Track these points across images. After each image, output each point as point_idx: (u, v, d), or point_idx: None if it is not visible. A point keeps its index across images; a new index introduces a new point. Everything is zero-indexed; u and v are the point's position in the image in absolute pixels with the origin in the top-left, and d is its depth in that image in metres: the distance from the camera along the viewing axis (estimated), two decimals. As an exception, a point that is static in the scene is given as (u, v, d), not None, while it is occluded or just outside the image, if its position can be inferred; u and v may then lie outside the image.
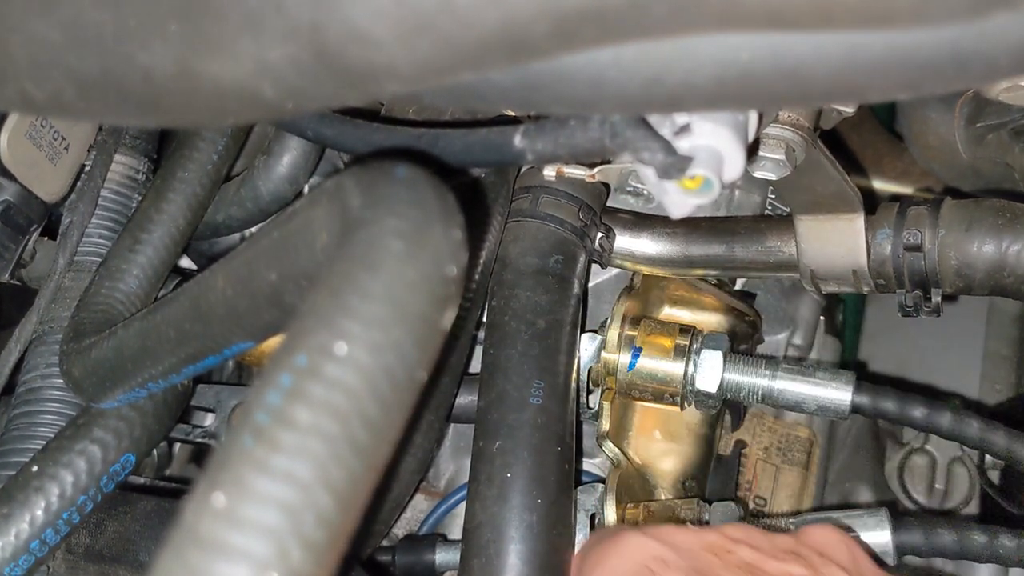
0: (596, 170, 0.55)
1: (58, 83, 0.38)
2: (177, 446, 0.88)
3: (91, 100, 0.38)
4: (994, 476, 1.02)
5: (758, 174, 0.58)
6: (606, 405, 0.69)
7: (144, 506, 0.65)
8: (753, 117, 0.46)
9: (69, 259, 0.72)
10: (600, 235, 0.72)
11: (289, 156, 0.76)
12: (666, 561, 0.51)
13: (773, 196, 0.83)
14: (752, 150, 0.57)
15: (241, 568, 0.28)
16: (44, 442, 0.64)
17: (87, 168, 0.74)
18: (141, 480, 0.74)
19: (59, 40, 0.36)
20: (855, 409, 0.68)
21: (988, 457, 0.99)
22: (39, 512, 0.60)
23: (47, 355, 0.68)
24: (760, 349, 0.82)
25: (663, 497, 0.72)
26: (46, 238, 0.75)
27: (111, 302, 0.66)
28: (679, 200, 0.44)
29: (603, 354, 0.70)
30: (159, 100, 0.36)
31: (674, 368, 0.69)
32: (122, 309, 0.66)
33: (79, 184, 0.74)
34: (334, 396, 0.31)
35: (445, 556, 0.69)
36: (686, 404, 0.70)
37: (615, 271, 0.77)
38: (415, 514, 0.78)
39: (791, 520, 0.70)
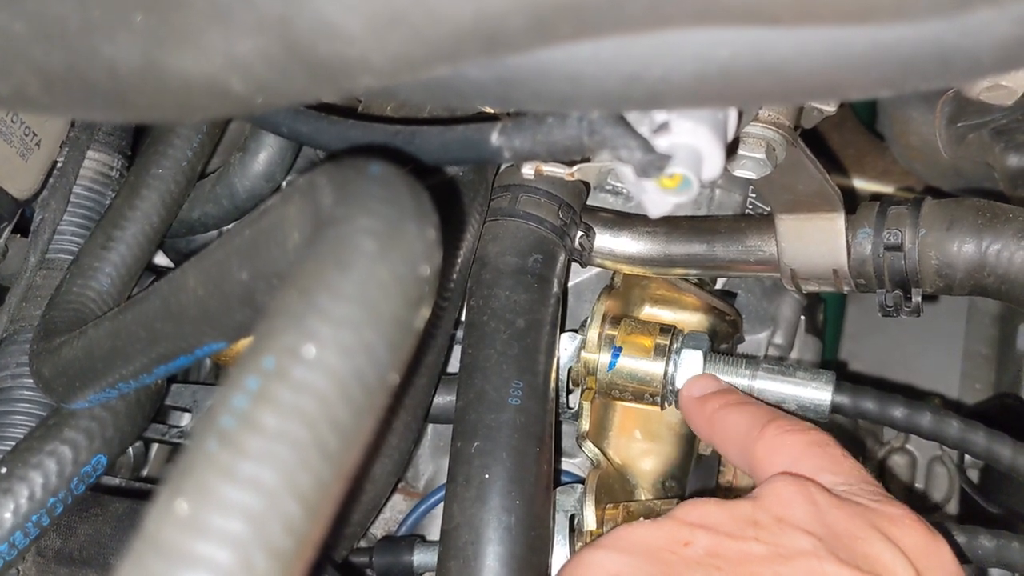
0: (575, 168, 0.54)
1: (22, 77, 0.37)
2: (154, 446, 0.87)
3: (56, 94, 0.37)
4: (974, 475, 1.03)
5: (738, 173, 0.57)
6: (586, 405, 0.69)
7: (116, 508, 0.64)
8: (733, 115, 0.46)
9: (40, 257, 0.71)
10: (580, 234, 0.71)
11: (266, 153, 0.75)
12: (624, 574, 0.50)
13: (754, 195, 0.83)
14: (732, 149, 0.56)
15: (204, 577, 0.27)
16: (14, 443, 0.63)
17: (59, 164, 0.73)
18: (116, 481, 0.73)
19: (23, 32, 0.35)
20: (835, 409, 0.68)
21: (968, 456, 0.99)
22: (8, 515, 0.59)
23: (18, 354, 0.67)
24: (741, 348, 0.82)
25: (643, 497, 0.71)
26: (18, 235, 0.74)
27: (83, 300, 0.65)
28: (658, 199, 0.43)
29: (583, 354, 0.69)
30: (125, 94, 0.35)
31: (654, 368, 0.68)
32: (94, 308, 0.65)
33: (51, 180, 0.73)
34: (302, 400, 0.30)
35: (423, 557, 0.68)
36: (666, 404, 0.70)
37: (595, 270, 0.76)
38: (394, 515, 0.77)
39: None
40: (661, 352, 0.68)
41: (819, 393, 0.68)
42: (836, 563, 0.48)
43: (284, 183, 0.78)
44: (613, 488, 0.68)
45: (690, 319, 0.76)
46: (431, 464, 0.77)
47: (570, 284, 0.76)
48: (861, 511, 0.52)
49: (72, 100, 0.37)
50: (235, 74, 0.33)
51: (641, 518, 0.62)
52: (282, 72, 0.33)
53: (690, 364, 0.68)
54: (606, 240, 0.73)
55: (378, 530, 0.76)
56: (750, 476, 0.60)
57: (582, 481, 0.67)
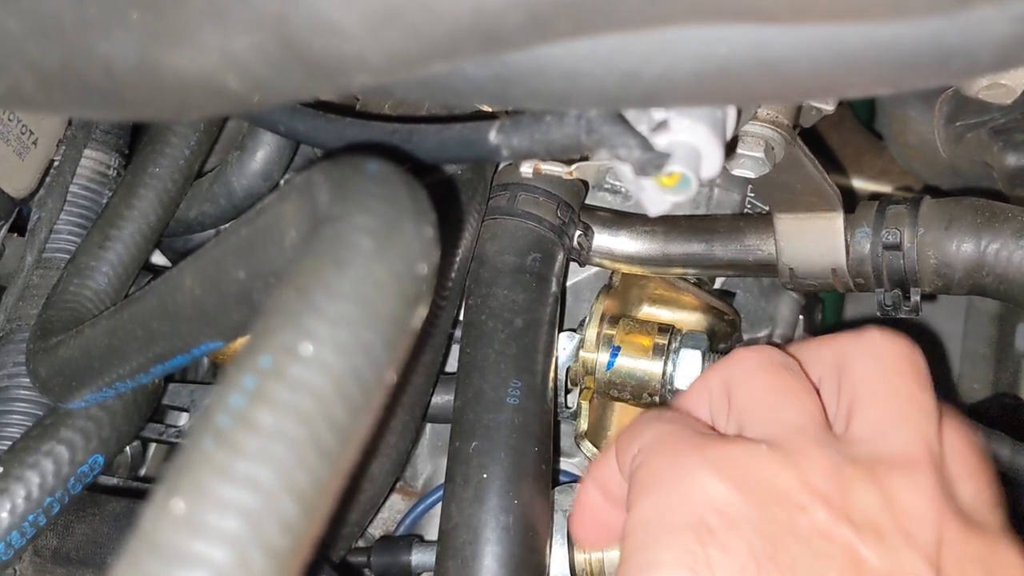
0: (574, 167, 0.54)
1: (18, 74, 0.37)
2: (152, 446, 0.87)
3: (52, 92, 0.37)
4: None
5: (737, 172, 0.57)
6: (584, 405, 0.68)
7: (113, 508, 0.64)
8: (731, 114, 0.46)
9: (37, 256, 0.70)
10: (578, 233, 0.71)
11: (263, 151, 0.75)
12: (729, 517, 0.43)
13: (752, 194, 0.82)
14: (731, 148, 0.56)
15: (200, 576, 0.27)
16: (11, 443, 0.63)
17: (56, 163, 0.73)
18: (113, 481, 0.73)
19: (17, 29, 0.35)
20: (833, 408, 0.68)
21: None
22: (4, 515, 0.59)
23: (14, 354, 0.67)
24: (739, 348, 0.82)
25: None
26: (15, 234, 0.74)
27: (80, 300, 0.65)
28: (656, 197, 0.43)
29: (581, 353, 0.69)
30: (121, 92, 0.35)
31: (653, 367, 0.68)
32: (91, 307, 0.65)
33: (48, 179, 0.72)
34: (299, 398, 0.30)
35: (421, 557, 0.68)
36: (664, 404, 0.70)
37: (594, 269, 0.76)
38: (392, 514, 0.77)
39: None
40: (660, 352, 0.68)
41: (817, 392, 0.68)
42: None
43: (282, 182, 0.78)
44: (611, 488, 0.68)
45: (688, 319, 0.75)
46: (429, 464, 0.77)
47: (568, 283, 0.75)
48: (984, 554, 0.45)
49: (68, 98, 0.37)
50: (232, 71, 0.33)
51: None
52: (279, 69, 0.33)
53: (689, 364, 0.68)
54: (604, 239, 0.73)
55: (376, 530, 0.76)
56: None
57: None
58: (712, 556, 0.42)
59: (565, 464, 0.74)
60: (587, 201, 0.75)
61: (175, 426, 0.74)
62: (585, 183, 0.74)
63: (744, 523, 0.43)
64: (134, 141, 0.77)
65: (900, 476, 0.45)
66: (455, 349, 0.68)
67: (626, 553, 0.45)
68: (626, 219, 0.73)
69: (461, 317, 0.68)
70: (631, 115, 0.43)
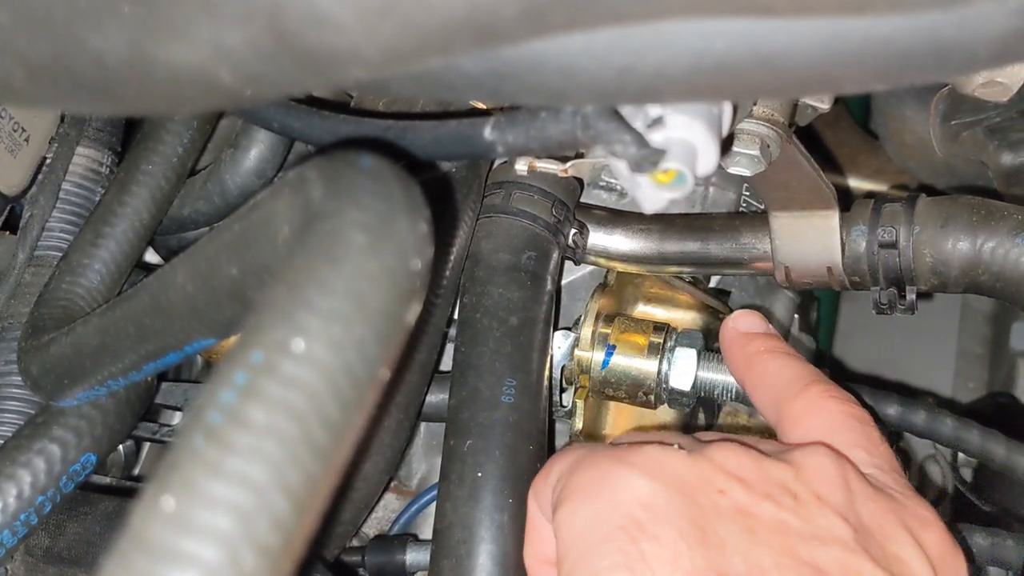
0: (569, 164, 0.54)
1: (8, 68, 0.36)
2: (145, 445, 0.87)
3: (42, 86, 0.36)
4: (967, 474, 1.03)
5: (732, 170, 0.57)
6: (579, 403, 0.68)
7: (105, 507, 0.63)
8: (727, 110, 0.45)
9: (29, 253, 0.70)
10: (574, 231, 0.71)
11: (257, 149, 0.74)
12: (655, 509, 0.45)
13: (748, 193, 0.82)
14: (726, 146, 0.56)
15: (190, 575, 0.27)
16: (2, 441, 0.62)
17: (48, 160, 0.72)
18: (106, 480, 0.73)
19: (7, 22, 0.34)
20: (829, 407, 0.68)
21: (961, 455, 0.99)
22: (-5, 513, 0.58)
23: (6, 352, 0.66)
24: (735, 347, 0.81)
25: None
26: (6, 232, 0.73)
27: (72, 297, 0.65)
28: (652, 194, 0.43)
29: (576, 352, 0.69)
30: (113, 86, 0.35)
31: (648, 366, 0.68)
32: (83, 305, 0.65)
33: (40, 177, 0.72)
34: (291, 395, 0.29)
35: (416, 556, 0.68)
36: (659, 403, 0.69)
37: (589, 268, 0.76)
38: (386, 513, 0.77)
39: None
40: (655, 350, 0.68)
41: (813, 391, 0.67)
42: (869, 561, 0.45)
43: (276, 180, 0.77)
44: (606, 487, 0.68)
45: (684, 317, 0.75)
46: (424, 463, 0.77)
47: (564, 282, 0.75)
48: (894, 507, 0.48)
49: (58, 92, 0.37)
50: (224, 65, 0.33)
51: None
52: (271, 63, 0.33)
53: (684, 362, 0.68)
54: (600, 238, 0.73)
55: (371, 529, 0.76)
56: (775, 429, 0.56)
57: (575, 479, 0.67)
58: (645, 549, 0.44)
59: (560, 463, 0.73)
60: (582, 199, 0.75)
61: (169, 425, 0.73)
62: (580, 181, 0.74)
63: (671, 512, 0.45)
64: (127, 138, 0.77)
65: (800, 451, 0.49)
66: (450, 348, 0.68)
67: (564, 572, 0.47)
68: (621, 217, 0.73)
69: (456, 316, 0.68)
70: (627, 111, 0.43)
